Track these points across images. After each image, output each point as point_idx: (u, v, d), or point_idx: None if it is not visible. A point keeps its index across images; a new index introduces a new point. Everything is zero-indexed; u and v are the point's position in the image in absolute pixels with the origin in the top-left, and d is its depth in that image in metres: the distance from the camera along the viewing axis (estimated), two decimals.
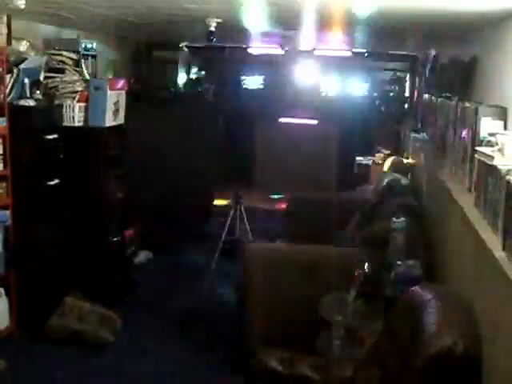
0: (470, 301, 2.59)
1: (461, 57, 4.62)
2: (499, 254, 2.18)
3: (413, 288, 2.93)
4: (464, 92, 4.18)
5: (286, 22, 4.78)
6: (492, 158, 2.50)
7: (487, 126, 3.12)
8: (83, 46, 5.36)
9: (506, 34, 3.25)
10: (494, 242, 2.30)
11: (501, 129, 3.09)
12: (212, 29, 4.34)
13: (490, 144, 2.81)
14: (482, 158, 2.66)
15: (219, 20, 4.31)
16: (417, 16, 3.63)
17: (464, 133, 3.50)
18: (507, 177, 2.20)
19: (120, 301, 4.97)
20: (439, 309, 2.55)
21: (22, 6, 2.13)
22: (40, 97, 4.62)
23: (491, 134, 2.89)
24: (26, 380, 3.92)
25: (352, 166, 8.00)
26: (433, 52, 6.51)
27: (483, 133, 3.08)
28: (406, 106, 8.82)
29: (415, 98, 7.93)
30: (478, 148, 2.82)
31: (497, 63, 3.44)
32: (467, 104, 3.57)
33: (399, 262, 3.38)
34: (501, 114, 3.16)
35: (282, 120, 9.22)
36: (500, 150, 2.54)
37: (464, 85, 4.24)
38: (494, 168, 2.45)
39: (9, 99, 4.40)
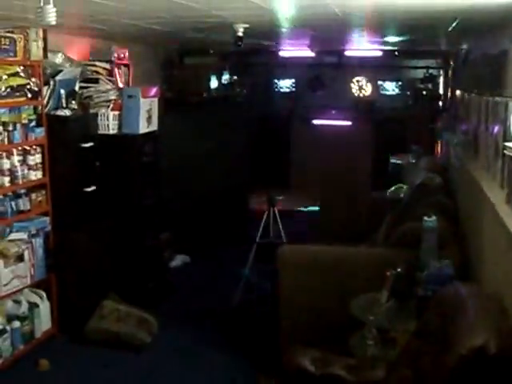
0: (503, 300, 2.57)
1: (491, 51, 4.57)
2: None
3: (445, 287, 2.93)
4: (494, 87, 4.13)
5: (314, 24, 4.79)
6: None
7: None
8: (115, 55, 5.48)
9: None
10: None
11: None
12: (240, 34, 4.37)
13: None
14: (511, 154, 2.64)
15: (247, 25, 4.35)
16: (444, 11, 3.60)
17: (495, 128, 3.47)
18: None
19: (157, 304, 5.06)
20: (471, 308, 2.54)
21: (53, 23, 2.19)
22: (75, 106, 4.76)
23: None
24: (68, 380, 4.04)
25: (386, 165, 7.94)
26: (465, 47, 6.44)
27: None
28: (440, 103, 8.73)
29: (449, 95, 7.85)
30: (507, 143, 2.80)
31: None
32: (498, 99, 3.53)
33: (431, 262, 3.35)
34: None
35: (316, 122, 9.21)
36: None
37: (494, 79, 4.19)
38: None
39: (46, 110, 4.54)
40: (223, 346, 4.51)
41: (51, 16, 2.16)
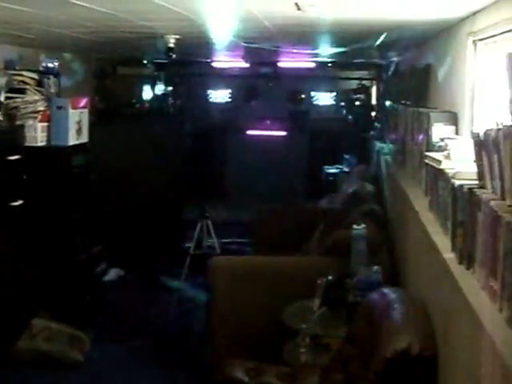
0: (426, 303, 2.65)
1: (418, 65, 4.74)
2: (448, 255, 2.23)
3: (373, 293, 2.99)
4: (420, 98, 4.28)
5: (247, 36, 4.83)
6: (440, 162, 2.57)
7: (439, 131, 3.20)
8: (44, 65, 5.35)
9: (453, 42, 3.35)
10: (444, 244, 2.36)
11: (452, 133, 3.18)
12: (171, 45, 4.37)
13: (440, 149, 2.89)
14: (431, 163, 2.73)
15: (178, 36, 4.34)
16: (372, 26, 3.71)
17: (420, 138, 3.58)
18: (452, 180, 2.26)
19: (90, 320, 4.94)
20: (396, 312, 2.60)
21: None
22: (1, 118, 4.61)
23: (441, 139, 2.96)
24: None
25: (320, 175, 8.07)
26: (394, 60, 6.64)
27: (435, 138, 3.16)
28: (373, 113, 8.95)
29: (380, 106, 8.05)
30: (427, 153, 2.90)
31: (447, 70, 3.54)
32: (421, 110, 3.66)
33: (361, 269, 3.42)
34: (452, 119, 3.25)
35: (250, 132, 9.27)
36: (448, 155, 2.61)
37: (420, 91, 4.34)
38: (441, 172, 2.52)
39: None
40: (158, 361, 4.44)
41: None
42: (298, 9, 2.95)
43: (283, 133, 9.23)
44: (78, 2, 2.78)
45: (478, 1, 2.52)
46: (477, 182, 2.01)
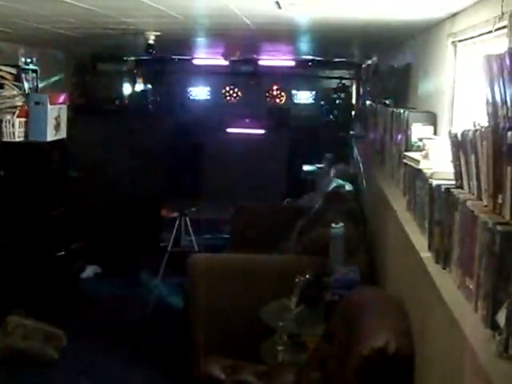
0: (403, 301, 2.67)
1: (397, 64, 4.77)
2: (425, 254, 2.25)
3: (349, 292, 3.01)
4: (400, 98, 4.31)
5: (228, 34, 4.83)
6: (418, 161, 2.59)
7: (418, 131, 3.23)
8: (23, 60, 5.29)
9: (433, 42, 3.37)
10: (421, 243, 2.37)
11: (431, 134, 3.21)
12: (151, 42, 4.36)
13: (419, 149, 2.91)
14: (410, 163, 2.75)
15: (158, 33, 4.33)
16: (353, 25, 3.73)
17: (398, 138, 3.61)
18: (430, 180, 2.28)
19: (66, 317, 4.90)
20: (373, 311, 2.62)
21: None
22: None
23: (420, 139, 2.99)
24: None
25: (299, 173, 8.09)
26: (374, 59, 6.68)
27: (414, 138, 3.18)
28: (353, 112, 9.00)
29: (360, 105, 8.10)
30: (406, 153, 2.92)
31: (426, 70, 3.56)
32: (400, 110, 3.68)
33: (338, 267, 3.44)
34: (431, 119, 3.27)
35: (230, 130, 9.26)
36: (426, 155, 2.63)
37: (399, 92, 4.37)
38: (419, 172, 2.54)
39: None
40: (135, 359, 4.42)
41: None
42: (279, 7, 2.95)
43: (263, 131, 9.22)
44: None
45: (457, 2, 2.54)
46: (454, 182, 2.03)
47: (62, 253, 5.09)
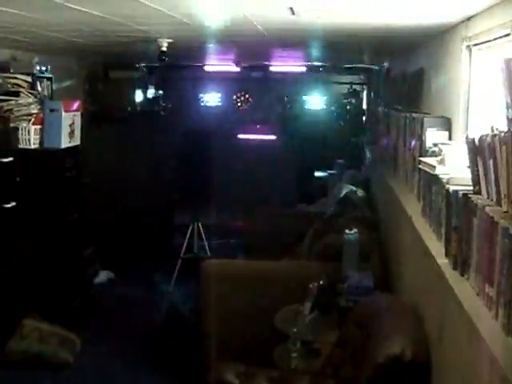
0: (419, 308, 2.66)
1: (410, 69, 4.76)
2: (442, 261, 2.24)
3: (363, 298, 3.00)
4: (413, 103, 4.29)
5: (239, 40, 4.84)
6: (434, 167, 2.57)
7: (433, 136, 3.21)
8: (38, 68, 5.33)
9: (447, 47, 3.36)
10: (438, 249, 2.36)
11: (446, 139, 3.19)
12: (164, 49, 4.37)
13: (434, 154, 2.90)
14: (425, 168, 2.74)
15: (171, 40, 4.35)
16: (365, 31, 3.72)
17: (412, 143, 3.59)
18: (447, 185, 2.26)
19: (81, 322, 4.92)
20: (388, 318, 2.61)
21: None
22: None
23: (435, 144, 2.98)
24: None
25: (311, 179, 8.08)
26: (386, 64, 6.67)
27: (429, 143, 3.17)
28: (364, 118, 8.97)
29: (371, 111, 8.08)
30: (421, 158, 2.90)
31: (440, 75, 3.55)
32: (414, 115, 3.67)
33: (352, 273, 3.43)
34: (445, 124, 3.25)
35: (241, 136, 9.27)
36: (442, 160, 2.61)
37: (412, 96, 4.36)
38: (435, 177, 2.52)
39: None
40: (148, 363, 4.42)
41: None
42: (293, 13, 2.96)
43: (274, 137, 9.22)
44: (76, 7, 2.78)
45: (472, 6, 2.53)
46: (471, 188, 2.02)
47: (76, 258, 5.12)
